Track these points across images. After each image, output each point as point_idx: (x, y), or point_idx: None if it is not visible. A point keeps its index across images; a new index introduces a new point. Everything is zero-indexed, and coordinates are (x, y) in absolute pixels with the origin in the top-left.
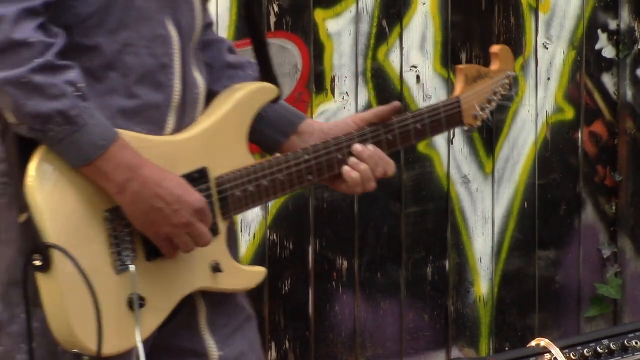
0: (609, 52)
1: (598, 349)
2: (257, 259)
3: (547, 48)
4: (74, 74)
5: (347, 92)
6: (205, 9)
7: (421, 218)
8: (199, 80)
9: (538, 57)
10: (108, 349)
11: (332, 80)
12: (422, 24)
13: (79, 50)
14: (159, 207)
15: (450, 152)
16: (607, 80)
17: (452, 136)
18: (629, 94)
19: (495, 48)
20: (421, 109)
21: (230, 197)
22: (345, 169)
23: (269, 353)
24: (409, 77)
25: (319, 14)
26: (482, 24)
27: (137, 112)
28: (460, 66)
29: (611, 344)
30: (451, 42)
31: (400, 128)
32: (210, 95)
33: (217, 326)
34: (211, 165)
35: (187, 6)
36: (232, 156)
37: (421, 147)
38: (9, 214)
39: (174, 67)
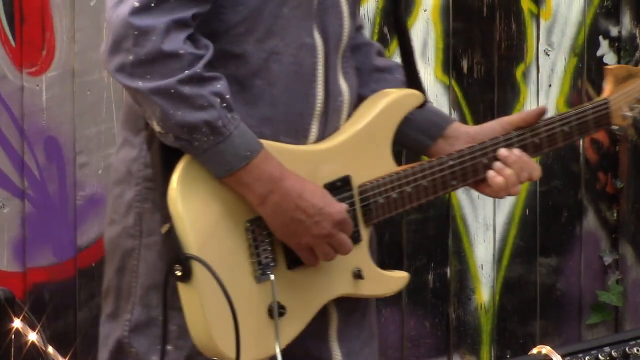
0: (610, 58)
1: (599, 356)
2: None
3: (548, 55)
4: (220, 85)
5: None
6: (354, 15)
7: (422, 225)
8: (344, 88)
9: (539, 63)
10: (247, 357)
11: None
12: (423, 30)
13: (226, 58)
14: (300, 219)
15: None
16: None
17: None
18: None
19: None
20: (568, 111)
21: (373, 204)
22: (491, 173)
23: None
24: None
25: None
26: (484, 31)
27: (282, 120)
28: (610, 66)
29: (613, 352)
30: (452, 48)
31: (547, 131)
32: (359, 99)
33: (347, 337)
34: (354, 173)
35: (335, 14)
36: (376, 163)
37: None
38: (152, 219)
39: (318, 75)
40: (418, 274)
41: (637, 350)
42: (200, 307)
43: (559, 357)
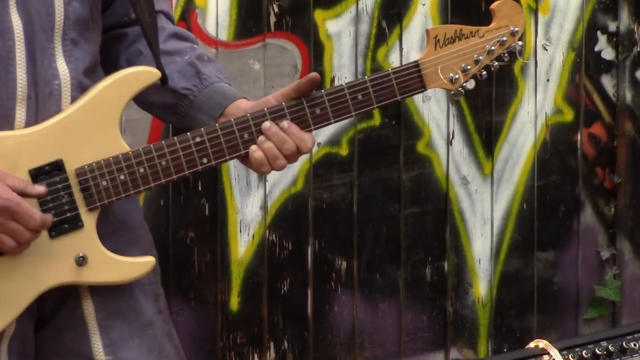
0: (608, 54)
1: (597, 350)
2: (256, 260)
3: (546, 50)
4: None
5: None
6: None
7: (420, 219)
8: (63, 71)
9: (537, 58)
10: None
11: (332, 80)
12: (422, 25)
13: None
14: None
15: (450, 153)
16: (607, 82)
17: (451, 137)
18: (628, 96)
19: (494, 4)
20: (362, 78)
21: (94, 187)
22: (252, 148)
23: (268, 353)
24: None
25: (319, 14)
26: (482, 25)
27: None
28: (429, 28)
29: (610, 346)
30: None
31: (333, 100)
32: None
33: (108, 329)
34: (68, 156)
35: None
36: (98, 145)
37: (420, 148)
38: None
39: (15, 59)
40: (415, 267)
41: (634, 345)
42: None
43: (556, 351)
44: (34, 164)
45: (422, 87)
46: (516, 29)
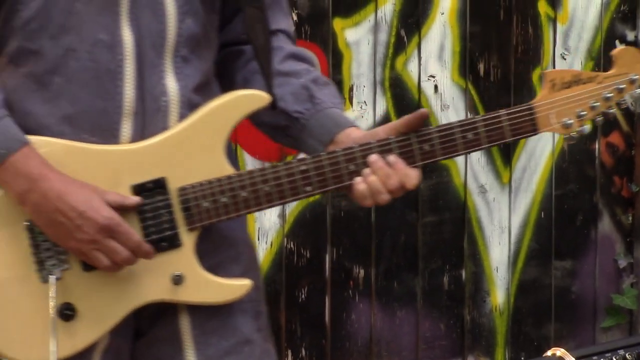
0: None
1: (614, 359)
2: (274, 267)
3: (565, 59)
4: None
5: (365, 102)
6: (193, 14)
7: (438, 227)
8: (172, 88)
9: (556, 67)
10: (35, 357)
11: (351, 89)
12: (440, 34)
13: (25, 55)
14: (61, 222)
15: (468, 162)
16: None
17: None
18: None
19: (615, 50)
20: (474, 117)
21: (194, 207)
22: (356, 180)
23: None
24: (427, 87)
25: (337, 23)
26: (500, 35)
27: (83, 119)
28: (546, 71)
29: (627, 354)
30: (469, 52)
31: (442, 137)
32: None
33: (204, 346)
34: (172, 174)
35: (154, 12)
36: (203, 166)
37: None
38: None
39: (124, 73)
40: (433, 276)
41: None
42: None
43: (572, 359)
44: (136, 179)
45: (534, 131)
46: (636, 77)
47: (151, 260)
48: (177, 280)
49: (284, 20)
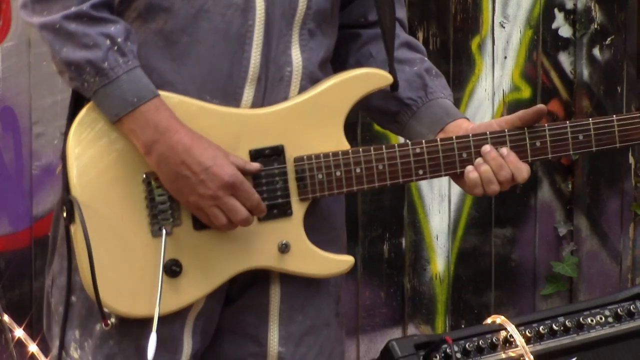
0: (565, 31)
1: (554, 326)
2: None
3: (504, 27)
4: (114, 29)
5: None
6: None
7: (377, 196)
8: (296, 59)
9: (495, 36)
10: (139, 311)
11: None
12: None
13: (156, 11)
14: (185, 175)
15: None
16: (564, 59)
17: None
18: (585, 73)
19: None
20: (586, 119)
21: (309, 178)
22: (468, 168)
23: None
24: None
25: None
26: (439, 3)
27: (208, 80)
28: None
29: (567, 321)
30: (408, 20)
31: (554, 136)
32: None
33: (288, 321)
34: (291, 144)
35: None
36: (321, 138)
37: (377, 125)
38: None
39: (253, 38)
40: (373, 244)
41: (591, 320)
42: (82, 251)
43: (513, 326)
44: (255, 145)
45: None
46: None
47: (260, 227)
48: (284, 248)
49: (401, 10)
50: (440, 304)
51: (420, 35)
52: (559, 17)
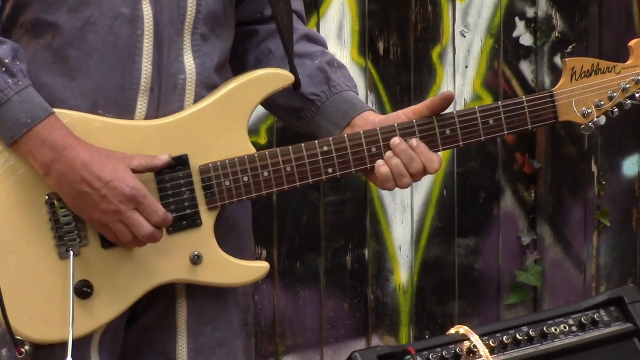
0: (526, 39)
1: (517, 335)
2: None
3: (464, 36)
4: (0, 50)
5: None
6: None
7: (340, 207)
8: (189, 65)
9: (456, 45)
10: (52, 336)
11: None
12: (339, 12)
13: (42, 27)
14: (86, 192)
15: None
16: (525, 67)
17: None
18: (547, 81)
19: (633, 42)
20: (496, 103)
21: (216, 186)
22: (378, 162)
23: None
24: None
25: None
26: (399, 13)
27: (99, 94)
28: (567, 59)
29: (530, 331)
30: (368, 30)
31: (463, 122)
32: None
33: (197, 334)
34: (194, 152)
35: None
36: (225, 144)
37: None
38: None
39: (142, 48)
40: (336, 255)
41: (555, 329)
42: None
43: (476, 336)
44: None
45: (554, 118)
46: None
47: (170, 239)
48: (196, 260)
49: (297, 1)
50: (404, 315)
51: (381, 45)
52: (520, 25)
